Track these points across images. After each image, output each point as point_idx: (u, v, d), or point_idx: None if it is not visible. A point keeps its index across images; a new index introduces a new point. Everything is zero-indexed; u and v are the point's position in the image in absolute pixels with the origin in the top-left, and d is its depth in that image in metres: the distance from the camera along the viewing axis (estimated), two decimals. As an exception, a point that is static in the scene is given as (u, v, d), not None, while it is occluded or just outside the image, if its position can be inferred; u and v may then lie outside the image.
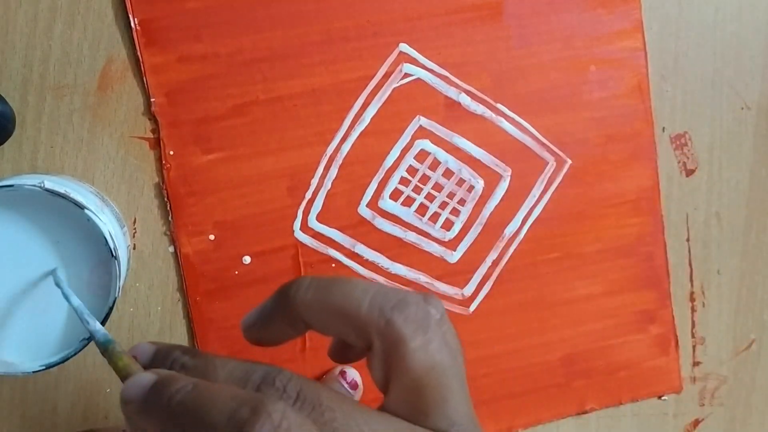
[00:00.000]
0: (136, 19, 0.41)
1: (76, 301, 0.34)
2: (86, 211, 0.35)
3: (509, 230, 0.47)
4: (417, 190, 0.45)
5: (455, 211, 0.46)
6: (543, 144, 0.46)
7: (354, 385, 0.44)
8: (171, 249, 0.43)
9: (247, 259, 0.44)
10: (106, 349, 0.30)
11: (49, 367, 0.36)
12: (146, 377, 0.27)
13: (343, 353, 0.32)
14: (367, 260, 0.45)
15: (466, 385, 0.29)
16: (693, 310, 0.51)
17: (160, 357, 0.29)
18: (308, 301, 0.29)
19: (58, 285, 0.35)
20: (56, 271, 0.36)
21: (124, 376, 0.28)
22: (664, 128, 0.49)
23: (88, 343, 0.36)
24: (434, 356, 0.28)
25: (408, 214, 0.45)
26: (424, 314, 0.28)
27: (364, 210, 0.45)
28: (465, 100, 0.45)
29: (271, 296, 0.30)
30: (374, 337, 0.28)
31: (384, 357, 0.28)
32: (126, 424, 0.28)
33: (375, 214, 0.45)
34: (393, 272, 0.45)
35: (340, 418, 0.26)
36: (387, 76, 0.44)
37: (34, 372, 0.36)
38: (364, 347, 0.29)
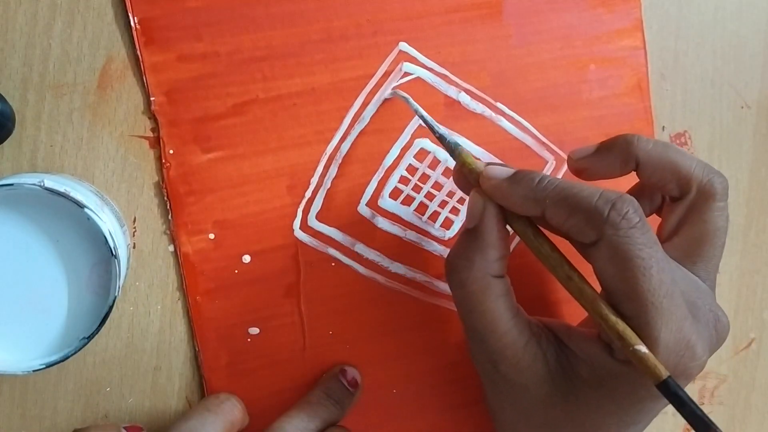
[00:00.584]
0: (135, 18, 0.41)
1: (422, 110, 0.42)
2: (86, 209, 0.35)
3: (509, 229, 0.46)
4: (417, 188, 0.45)
5: (455, 210, 0.46)
6: (542, 143, 0.46)
7: (354, 384, 0.44)
8: (171, 248, 0.43)
9: (246, 258, 0.44)
10: (454, 150, 0.39)
11: (49, 365, 0.36)
12: (509, 168, 0.37)
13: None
14: (366, 259, 0.45)
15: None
16: (693, 309, 0.51)
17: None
18: (650, 149, 0.39)
19: (405, 99, 0.43)
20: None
21: (472, 170, 0.38)
22: (663, 127, 0.49)
23: (88, 341, 0.36)
24: (724, 221, 0.39)
25: (408, 212, 0.45)
26: (727, 191, 0.39)
27: (363, 209, 0.45)
28: (465, 98, 0.45)
29: (609, 140, 0.40)
30: (693, 188, 0.39)
31: (690, 206, 0.39)
32: (484, 198, 0.38)
33: (375, 212, 0.45)
34: (393, 271, 0.45)
35: (653, 243, 0.34)
36: (387, 75, 0.44)
37: (34, 371, 0.36)
38: (676, 196, 0.40)
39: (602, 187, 0.35)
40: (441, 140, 0.40)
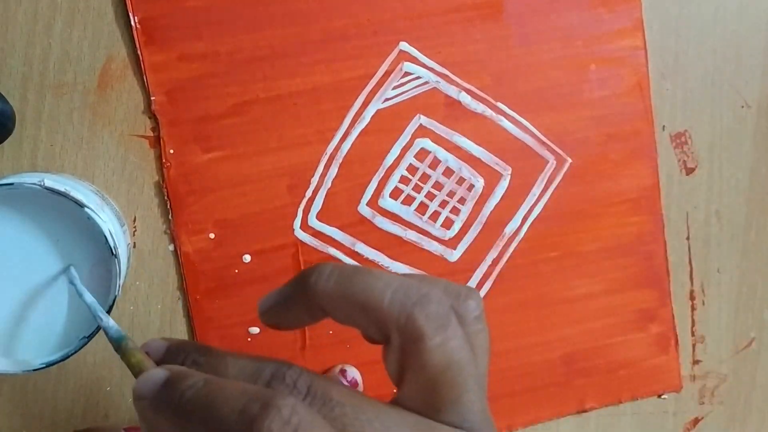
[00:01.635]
0: (136, 18, 0.41)
1: (89, 297, 0.34)
2: (86, 209, 0.35)
3: (509, 229, 0.47)
4: (417, 188, 0.45)
5: (455, 210, 0.46)
6: (543, 143, 0.46)
7: (354, 384, 0.44)
8: (171, 247, 0.43)
9: (247, 258, 0.44)
10: (119, 345, 0.30)
11: (49, 365, 0.36)
12: (159, 373, 0.27)
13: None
14: (367, 259, 0.45)
15: (484, 384, 0.30)
16: (693, 308, 0.51)
17: (173, 353, 0.29)
18: (329, 290, 0.28)
19: (71, 282, 0.35)
20: (70, 269, 0.36)
21: (137, 372, 0.29)
22: (664, 127, 0.49)
23: (88, 341, 0.36)
24: (452, 354, 0.28)
25: (408, 212, 0.45)
26: (446, 312, 0.28)
27: (364, 209, 0.45)
28: (465, 98, 0.45)
29: (290, 281, 0.30)
30: (393, 332, 0.28)
31: (401, 351, 0.28)
32: (139, 422, 0.28)
33: (375, 212, 0.45)
34: (393, 271, 0.45)
35: (350, 412, 0.26)
36: (387, 74, 0.44)
37: (34, 370, 0.36)
38: (382, 340, 0.29)
39: (251, 389, 0.26)
40: (106, 333, 0.32)
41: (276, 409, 0.24)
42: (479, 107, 0.45)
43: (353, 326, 0.29)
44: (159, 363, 0.29)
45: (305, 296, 0.29)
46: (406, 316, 0.27)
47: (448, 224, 0.46)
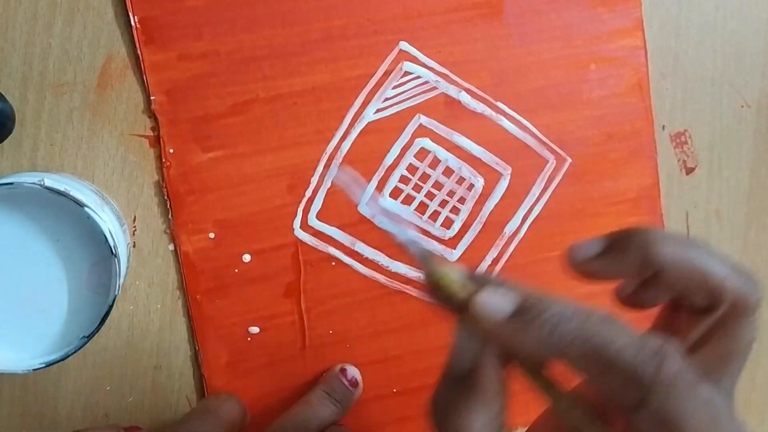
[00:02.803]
0: (135, 17, 0.41)
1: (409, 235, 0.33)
2: (86, 209, 0.35)
3: (509, 228, 0.47)
4: (417, 188, 0.45)
5: (455, 210, 0.46)
6: (543, 142, 0.46)
7: (354, 383, 0.44)
8: (171, 247, 0.43)
9: (247, 257, 0.44)
10: (430, 271, 0.30)
11: (49, 364, 0.36)
12: (507, 299, 0.29)
13: (639, 299, 0.34)
14: (366, 258, 0.45)
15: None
16: (693, 308, 0.51)
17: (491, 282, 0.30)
18: (674, 254, 0.31)
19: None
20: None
21: (452, 293, 0.29)
22: (664, 126, 0.49)
23: (88, 340, 0.36)
24: (754, 335, 0.32)
25: (408, 212, 0.45)
26: (761, 297, 0.31)
27: (364, 208, 0.45)
28: (465, 98, 0.45)
29: (615, 234, 0.32)
30: (725, 302, 0.31)
31: (720, 321, 0.31)
32: (460, 332, 0.30)
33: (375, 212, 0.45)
34: (393, 270, 0.45)
35: (706, 402, 0.28)
36: (387, 74, 0.44)
37: (34, 369, 0.36)
38: (705, 307, 0.31)
39: (639, 332, 0.29)
40: (417, 258, 0.32)
41: (677, 350, 0.27)
42: (479, 107, 0.45)
43: (679, 289, 0.32)
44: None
45: (644, 253, 0.31)
46: (743, 292, 0.31)
47: (448, 224, 0.46)
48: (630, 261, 0.32)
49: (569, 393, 0.31)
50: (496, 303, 0.29)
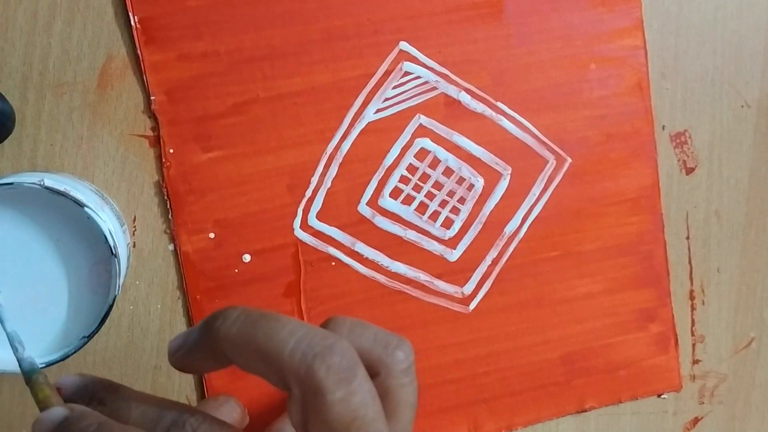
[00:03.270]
0: (135, 17, 0.41)
1: (10, 326, 0.33)
2: (86, 209, 0.35)
3: (509, 228, 0.47)
4: (417, 188, 0.45)
5: (455, 210, 0.46)
6: (543, 142, 0.46)
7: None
8: (171, 247, 0.43)
9: (247, 258, 0.44)
10: (30, 378, 0.30)
11: (49, 364, 0.36)
12: (59, 412, 0.28)
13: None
14: (366, 258, 0.45)
15: None
16: (693, 308, 0.51)
17: (82, 391, 0.29)
18: (232, 336, 0.27)
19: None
20: None
21: (42, 408, 0.29)
22: (664, 126, 0.49)
23: (88, 341, 0.36)
24: (356, 410, 0.26)
25: (408, 212, 0.45)
26: (351, 365, 0.26)
27: (364, 208, 0.45)
28: (465, 98, 0.45)
29: (198, 324, 0.29)
30: (293, 383, 0.26)
31: (303, 404, 0.27)
32: None
33: (375, 212, 0.45)
34: (393, 270, 0.45)
35: None
36: (387, 74, 0.44)
37: (34, 370, 0.36)
38: (285, 390, 0.27)
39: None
40: (19, 363, 0.33)
41: None
42: (479, 107, 0.45)
43: (256, 374, 0.28)
44: (67, 400, 0.29)
45: (209, 342, 0.28)
46: (306, 368, 0.26)
47: (447, 224, 0.46)
48: (206, 352, 0.29)
49: None
50: (45, 419, 0.28)
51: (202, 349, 0.29)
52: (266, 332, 0.27)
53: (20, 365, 0.32)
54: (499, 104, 0.46)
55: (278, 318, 0.27)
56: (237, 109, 0.43)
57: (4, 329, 0.34)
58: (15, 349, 0.32)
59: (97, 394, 0.29)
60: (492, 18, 0.45)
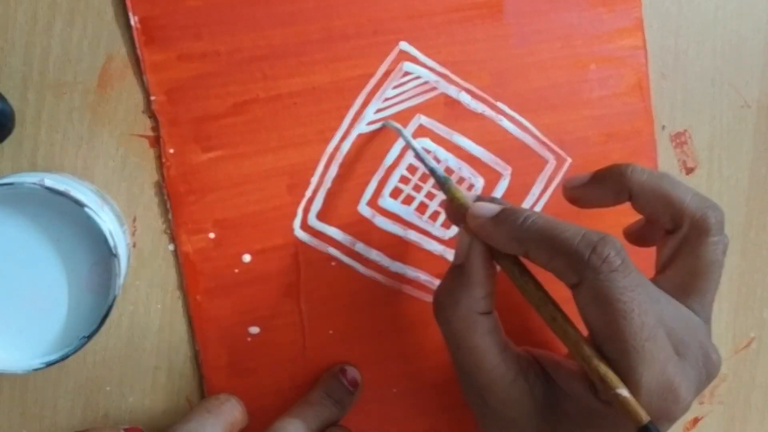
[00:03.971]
0: (135, 17, 0.41)
1: (417, 145, 0.41)
2: (86, 209, 0.35)
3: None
4: (417, 188, 0.45)
5: (455, 210, 0.46)
6: (543, 142, 0.46)
7: (354, 383, 0.44)
8: (171, 247, 0.43)
9: (247, 258, 0.44)
10: (444, 183, 0.39)
11: (49, 364, 0.36)
12: (494, 206, 0.37)
13: (641, 236, 0.43)
14: (367, 259, 0.45)
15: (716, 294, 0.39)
16: (693, 308, 0.51)
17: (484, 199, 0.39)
18: (643, 180, 0.39)
19: (399, 133, 0.43)
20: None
21: (457, 205, 0.38)
22: (664, 126, 0.49)
23: (88, 340, 0.36)
24: (719, 255, 0.38)
25: (408, 212, 0.45)
26: (722, 220, 0.38)
27: (364, 208, 0.45)
28: (465, 98, 0.45)
29: (603, 170, 0.40)
30: (686, 222, 0.38)
31: (684, 240, 0.38)
32: (462, 239, 0.38)
33: (375, 212, 0.45)
34: (393, 270, 0.45)
35: (644, 276, 0.36)
36: (387, 74, 0.44)
37: (34, 370, 0.36)
38: (670, 229, 0.39)
39: (586, 228, 0.35)
40: (432, 174, 0.40)
41: (612, 242, 0.34)
42: (479, 107, 0.45)
43: (649, 212, 0.39)
44: None
45: (619, 180, 0.39)
46: (701, 214, 0.38)
47: (448, 224, 0.46)
48: (607, 188, 0.40)
49: (536, 281, 0.38)
50: (484, 208, 0.37)
51: (608, 185, 0.40)
52: (671, 185, 0.39)
53: (434, 174, 0.40)
54: (499, 104, 0.46)
55: (673, 178, 0.39)
56: (237, 109, 0.43)
57: (412, 147, 0.42)
58: (426, 161, 0.41)
59: (495, 200, 0.38)
60: (492, 18, 0.45)
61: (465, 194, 0.39)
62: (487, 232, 0.37)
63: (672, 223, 0.39)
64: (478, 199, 0.38)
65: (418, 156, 0.41)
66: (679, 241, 0.38)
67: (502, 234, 0.36)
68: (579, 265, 0.34)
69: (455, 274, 0.38)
